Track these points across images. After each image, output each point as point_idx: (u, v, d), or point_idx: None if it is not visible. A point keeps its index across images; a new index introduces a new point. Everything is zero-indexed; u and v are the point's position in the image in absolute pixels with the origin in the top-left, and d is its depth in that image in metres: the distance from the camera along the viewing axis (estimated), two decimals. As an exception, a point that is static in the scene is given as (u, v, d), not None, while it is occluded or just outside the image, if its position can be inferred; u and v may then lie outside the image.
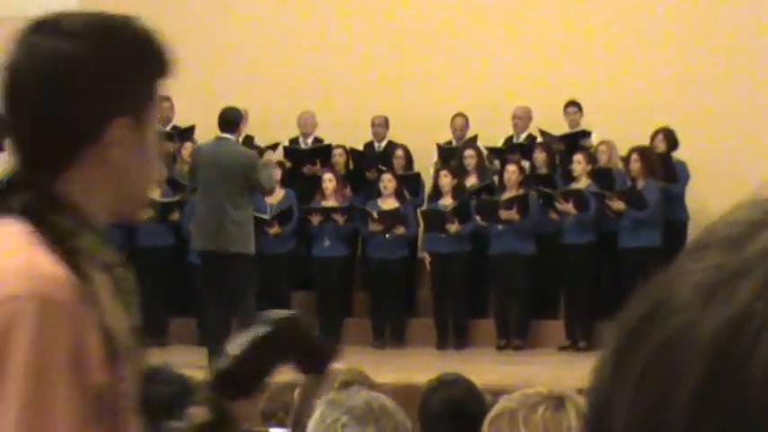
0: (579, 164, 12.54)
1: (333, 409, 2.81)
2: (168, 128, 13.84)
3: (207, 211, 10.61)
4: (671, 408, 0.75)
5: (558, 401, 2.85)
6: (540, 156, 12.88)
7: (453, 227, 12.49)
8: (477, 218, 12.51)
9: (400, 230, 12.68)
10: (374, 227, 12.68)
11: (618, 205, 12.08)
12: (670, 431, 0.75)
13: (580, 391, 4.04)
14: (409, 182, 13.26)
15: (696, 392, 0.74)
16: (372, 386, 3.41)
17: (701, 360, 0.74)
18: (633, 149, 12.31)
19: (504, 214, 12.39)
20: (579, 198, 12.27)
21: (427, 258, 12.82)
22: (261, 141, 13.42)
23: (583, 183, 12.50)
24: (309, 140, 13.85)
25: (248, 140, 13.03)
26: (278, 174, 12.43)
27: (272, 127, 13.85)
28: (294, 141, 13.84)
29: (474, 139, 13.50)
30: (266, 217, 12.59)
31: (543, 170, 12.85)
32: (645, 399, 0.76)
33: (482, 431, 2.95)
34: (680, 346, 0.75)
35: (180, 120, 13.82)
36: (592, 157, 12.74)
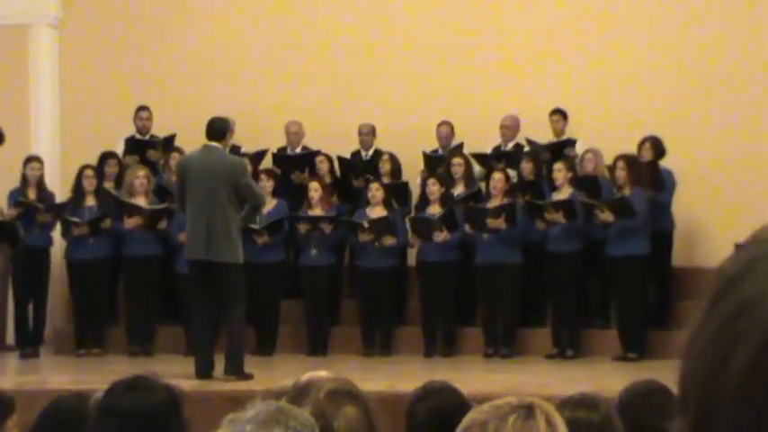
0: (560, 172, 12.57)
1: (234, 425, 2.83)
2: (147, 137, 13.83)
3: (196, 219, 10.60)
4: (729, 369, 0.76)
5: (527, 411, 2.87)
6: (526, 165, 12.90)
7: (441, 235, 12.51)
8: (466, 226, 12.52)
9: (389, 241, 12.67)
10: (364, 236, 12.67)
11: (606, 216, 12.09)
12: (725, 392, 0.76)
13: (572, 400, 4.04)
14: (397, 190, 13.27)
15: (752, 358, 0.75)
16: (360, 394, 3.41)
17: (765, 327, 0.75)
18: (619, 157, 12.33)
19: (491, 223, 12.41)
20: (569, 209, 12.28)
21: (415, 267, 12.79)
22: (248, 150, 13.41)
23: (565, 191, 12.51)
24: (297, 149, 13.85)
25: (235, 149, 13.03)
26: (263, 186, 12.45)
27: (258, 137, 13.84)
28: (282, 150, 13.84)
29: (460, 146, 13.51)
30: (256, 227, 12.59)
31: (530, 178, 12.87)
32: (714, 352, 0.78)
33: None
34: (754, 309, 0.77)
35: (163, 129, 13.78)
36: (572, 165, 12.76)
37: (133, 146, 13.72)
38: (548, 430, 2.87)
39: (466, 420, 2.90)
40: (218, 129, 10.87)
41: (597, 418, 3.99)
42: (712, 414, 0.79)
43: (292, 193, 13.31)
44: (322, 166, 13.46)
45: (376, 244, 12.69)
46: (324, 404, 3.17)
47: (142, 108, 13.91)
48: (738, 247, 0.89)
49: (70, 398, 5.63)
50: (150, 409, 3.34)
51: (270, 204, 12.96)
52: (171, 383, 3.52)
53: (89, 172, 13.07)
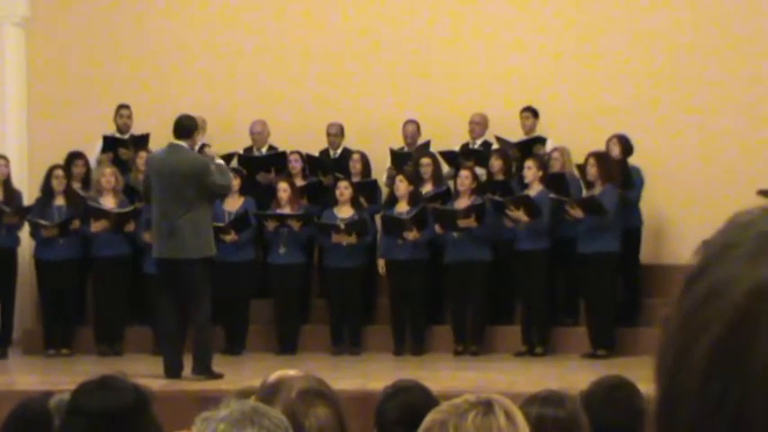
0: (530, 170, 12.59)
1: (207, 423, 2.83)
2: (127, 136, 13.79)
3: (160, 217, 10.58)
4: (692, 356, 0.77)
5: (486, 407, 2.89)
6: (496, 162, 12.91)
7: (411, 234, 12.51)
8: (436, 227, 12.53)
9: (351, 239, 12.65)
10: (339, 237, 12.64)
11: (576, 213, 12.13)
12: (687, 379, 0.77)
13: (538, 397, 4.05)
14: (366, 189, 13.27)
15: (714, 346, 0.76)
16: (331, 394, 3.40)
17: (728, 316, 0.77)
18: (590, 154, 12.37)
19: (462, 223, 12.42)
20: (529, 205, 12.31)
21: (382, 267, 12.82)
22: (218, 150, 13.37)
23: (535, 189, 12.54)
24: (264, 149, 13.82)
25: (204, 148, 12.98)
26: (231, 176, 12.42)
27: (226, 136, 13.81)
28: (248, 150, 13.80)
29: (427, 144, 13.51)
30: (222, 225, 12.56)
31: (500, 177, 12.88)
32: (678, 342, 0.79)
33: None
34: (720, 297, 0.78)
35: (138, 128, 13.75)
36: (543, 163, 12.78)
37: (109, 144, 13.67)
38: (507, 425, 2.89)
39: (426, 422, 2.91)
40: (185, 127, 10.85)
41: (563, 414, 4.00)
42: (676, 403, 0.80)
43: (259, 193, 13.28)
44: (296, 164, 13.42)
45: (345, 244, 12.67)
46: (295, 404, 3.17)
47: (123, 106, 13.86)
48: (705, 242, 0.90)
49: (38, 399, 5.60)
50: (118, 410, 3.33)
51: (237, 202, 12.94)
52: (139, 383, 3.51)
53: (59, 172, 13.01)
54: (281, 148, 13.67)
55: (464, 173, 12.72)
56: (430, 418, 2.91)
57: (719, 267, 0.82)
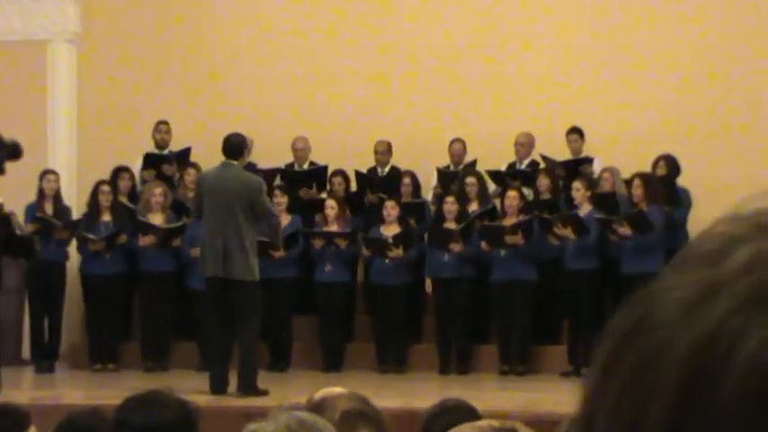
0: (578, 191, 12.55)
1: None
2: (166, 151, 13.87)
3: (212, 236, 10.60)
4: (646, 424, 0.74)
5: None
6: (543, 181, 12.88)
7: (458, 246, 12.49)
8: (483, 243, 12.50)
9: (398, 252, 12.65)
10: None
11: (624, 230, 12.07)
12: None
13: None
14: (414, 209, 13.25)
15: (669, 409, 0.73)
16: (374, 414, 3.39)
17: (676, 377, 0.73)
18: (635, 175, 12.31)
19: (509, 239, 12.40)
20: (577, 223, 12.27)
21: (430, 283, 12.81)
22: (262, 167, 13.42)
23: (584, 209, 12.49)
24: (305, 166, 13.86)
25: (251, 166, 13.04)
26: (278, 201, 12.48)
27: (273, 153, 13.85)
28: (289, 166, 13.84)
29: (473, 163, 13.50)
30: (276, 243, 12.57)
31: (547, 195, 12.85)
32: (623, 414, 0.76)
33: None
34: (657, 362, 0.75)
35: (181, 144, 13.83)
36: (591, 183, 12.73)
37: (151, 160, 13.75)
38: None
39: None
40: (235, 145, 10.89)
41: None
42: None
43: (302, 210, 13.32)
44: (338, 187, 13.45)
45: (387, 261, 12.67)
46: (338, 425, 3.15)
47: (161, 122, 13.97)
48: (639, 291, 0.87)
49: (85, 413, 5.63)
50: (163, 425, 3.33)
51: (284, 220, 12.97)
52: (185, 399, 3.51)
53: (105, 187, 13.10)
54: (322, 164, 13.70)
55: (511, 193, 12.70)
56: None
57: (645, 335, 0.78)
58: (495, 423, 2.86)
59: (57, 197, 13.21)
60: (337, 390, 3.55)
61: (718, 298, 0.75)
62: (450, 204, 12.77)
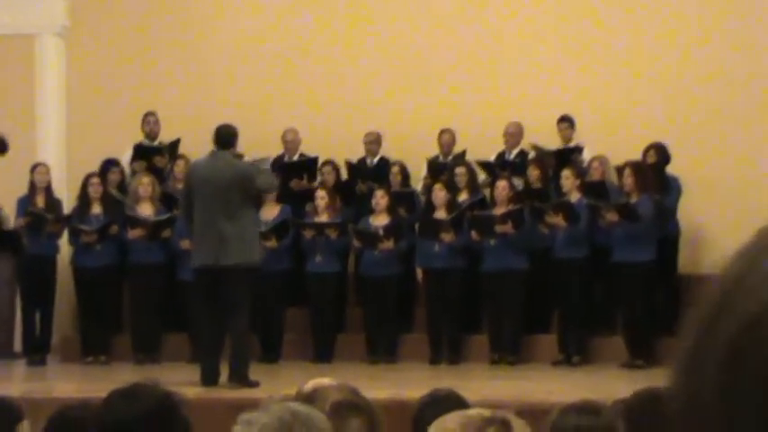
0: (567, 179, 12.57)
1: (249, 429, 2.82)
2: (155, 142, 13.86)
3: (205, 227, 10.58)
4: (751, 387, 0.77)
5: (503, 424, 2.81)
6: (533, 171, 12.89)
7: (448, 236, 12.50)
8: (473, 232, 12.52)
9: (389, 244, 12.66)
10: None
11: (612, 216, 12.08)
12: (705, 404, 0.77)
13: (574, 407, 4.03)
14: (404, 198, 13.26)
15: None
16: (365, 405, 3.39)
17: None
18: (626, 164, 12.32)
19: (499, 228, 12.41)
20: (569, 210, 12.28)
21: (420, 274, 12.82)
22: (249, 158, 13.40)
23: (573, 198, 12.50)
24: (295, 157, 13.85)
25: (238, 158, 13.01)
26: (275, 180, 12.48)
27: (263, 143, 13.84)
28: (280, 157, 13.83)
29: (463, 154, 13.50)
30: (261, 229, 12.59)
31: (537, 185, 12.86)
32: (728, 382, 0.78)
33: None
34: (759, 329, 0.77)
35: (171, 136, 13.81)
36: (580, 172, 12.74)
37: (140, 152, 13.74)
38: None
39: (436, 430, 2.84)
40: (224, 136, 10.88)
41: (600, 424, 3.98)
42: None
43: (293, 200, 13.31)
44: (329, 177, 13.45)
45: (376, 252, 12.68)
46: (329, 417, 3.15)
47: (149, 113, 13.95)
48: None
49: (76, 407, 5.63)
50: (146, 417, 3.33)
51: (274, 210, 12.97)
52: (170, 389, 3.51)
53: (94, 180, 13.10)
54: (312, 155, 13.70)
55: (501, 183, 12.71)
56: (441, 427, 2.84)
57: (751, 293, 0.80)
58: (486, 412, 2.85)
59: (48, 190, 13.21)
60: (327, 381, 3.56)
61: None
62: (439, 191, 12.77)
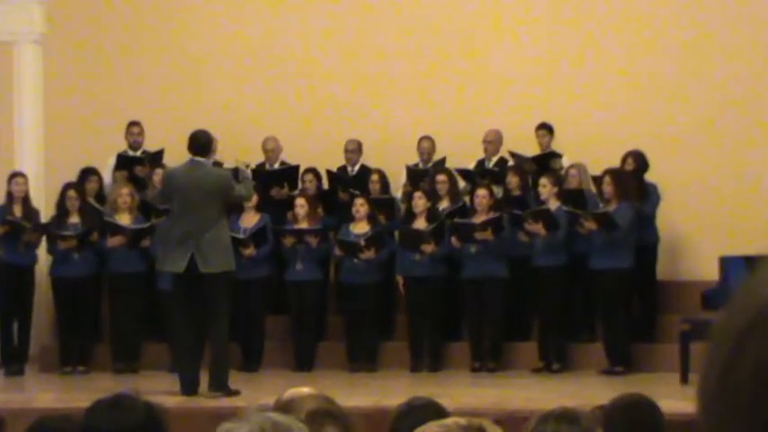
0: (545, 187, 12.59)
1: None
2: (139, 152, 13.83)
3: (183, 234, 10.57)
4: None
5: None
6: (513, 179, 12.91)
7: (429, 247, 12.51)
8: (453, 239, 12.53)
9: (370, 254, 12.66)
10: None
11: (590, 225, 12.11)
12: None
13: (553, 414, 4.04)
14: (384, 206, 13.26)
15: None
16: (340, 413, 3.39)
17: None
18: (606, 171, 12.35)
19: (479, 235, 12.42)
20: (548, 218, 12.31)
21: (401, 282, 12.82)
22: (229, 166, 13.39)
23: (551, 205, 12.53)
24: (276, 165, 13.84)
25: (216, 165, 12.99)
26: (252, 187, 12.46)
27: (239, 153, 13.81)
28: (260, 166, 13.81)
29: (443, 161, 13.52)
30: (241, 236, 12.58)
31: (517, 192, 12.88)
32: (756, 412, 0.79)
33: None
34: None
35: (150, 144, 13.78)
36: (558, 179, 12.77)
37: (123, 162, 13.71)
38: None
39: None
40: (201, 142, 10.87)
41: (579, 431, 3.98)
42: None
43: (274, 209, 13.30)
44: (310, 185, 13.44)
45: (355, 260, 12.67)
46: (305, 425, 3.15)
47: (133, 123, 13.89)
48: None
49: (56, 417, 5.61)
50: (130, 428, 3.33)
51: (253, 218, 12.95)
52: (152, 401, 3.50)
53: (71, 193, 13.03)
54: (293, 163, 13.69)
55: (481, 192, 12.71)
56: None
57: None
58: (462, 421, 2.86)
59: (25, 200, 13.16)
60: (304, 390, 3.56)
61: None
62: (419, 199, 12.78)
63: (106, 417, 3.37)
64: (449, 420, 2.89)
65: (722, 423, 0.82)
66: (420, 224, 12.76)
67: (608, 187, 12.24)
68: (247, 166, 11.67)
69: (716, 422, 0.82)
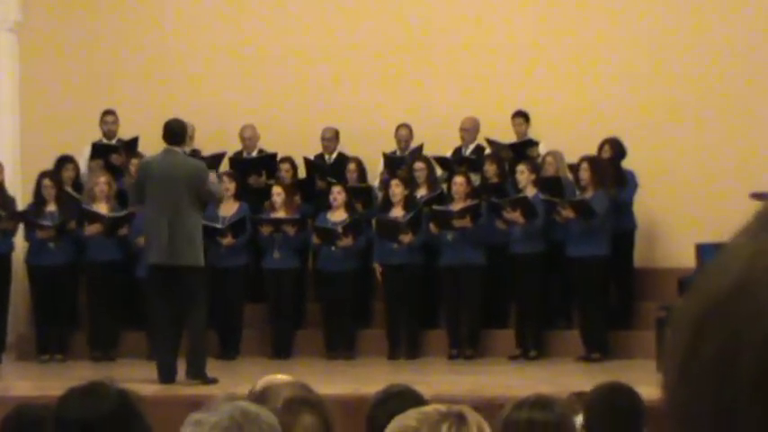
0: (522, 174, 12.62)
1: (199, 429, 2.82)
2: (114, 141, 13.79)
3: (157, 223, 10.55)
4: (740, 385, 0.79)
5: (459, 418, 2.85)
6: (490, 167, 12.91)
7: (407, 238, 12.52)
8: (431, 225, 12.54)
9: (348, 241, 12.67)
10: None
11: (567, 213, 12.14)
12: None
13: (527, 401, 4.05)
14: (361, 194, 13.26)
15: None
16: (317, 401, 3.40)
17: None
18: (582, 159, 12.37)
19: (457, 223, 12.44)
20: (526, 206, 12.33)
21: (379, 269, 12.83)
22: (206, 153, 13.38)
23: (529, 192, 12.55)
24: (254, 153, 13.82)
25: (195, 153, 12.98)
26: (225, 186, 12.42)
27: (220, 140, 13.81)
28: (238, 154, 13.80)
29: (420, 148, 13.52)
30: (219, 226, 12.57)
31: (494, 180, 12.89)
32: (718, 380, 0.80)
33: None
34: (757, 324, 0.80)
35: (126, 133, 13.75)
36: (536, 167, 12.79)
37: (98, 150, 13.67)
38: None
39: (394, 427, 2.87)
40: (175, 131, 10.84)
41: (553, 417, 4.01)
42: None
43: (251, 197, 13.29)
44: (286, 174, 13.42)
45: (333, 248, 12.66)
46: (281, 413, 3.16)
47: (108, 112, 13.85)
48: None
49: (33, 406, 5.59)
50: (103, 417, 3.32)
51: (232, 207, 12.94)
52: (127, 389, 3.50)
53: (47, 182, 12.98)
54: (271, 151, 13.68)
55: (458, 179, 12.72)
56: (399, 423, 2.87)
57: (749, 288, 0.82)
58: (442, 407, 2.87)
59: (1, 188, 13.11)
60: (280, 377, 3.56)
61: None
62: (396, 187, 12.78)
63: (79, 405, 3.37)
64: (429, 408, 2.91)
65: (686, 410, 0.83)
66: (397, 212, 12.77)
67: (585, 174, 12.26)
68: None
69: (680, 409, 0.83)
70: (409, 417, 2.86)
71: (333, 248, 12.75)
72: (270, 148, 13.74)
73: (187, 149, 11.62)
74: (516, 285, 12.54)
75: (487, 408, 3.78)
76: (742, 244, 0.83)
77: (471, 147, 13.56)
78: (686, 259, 11.94)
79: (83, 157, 13.71)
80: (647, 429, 5.02)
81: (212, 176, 11.76)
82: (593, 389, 5.01)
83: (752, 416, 0.78)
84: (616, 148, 12.76)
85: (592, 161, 12.34)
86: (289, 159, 13.50)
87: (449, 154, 13.53)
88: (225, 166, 13.63)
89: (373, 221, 12.98)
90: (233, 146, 13.79)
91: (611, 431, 4.80)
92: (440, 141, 13.56)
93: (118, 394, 3.39)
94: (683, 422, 0.82)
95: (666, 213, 13.40)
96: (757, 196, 11.38)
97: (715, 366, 0.80)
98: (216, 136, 13.85)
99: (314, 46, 14.30)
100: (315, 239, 12.90)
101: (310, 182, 13.50)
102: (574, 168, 12.56)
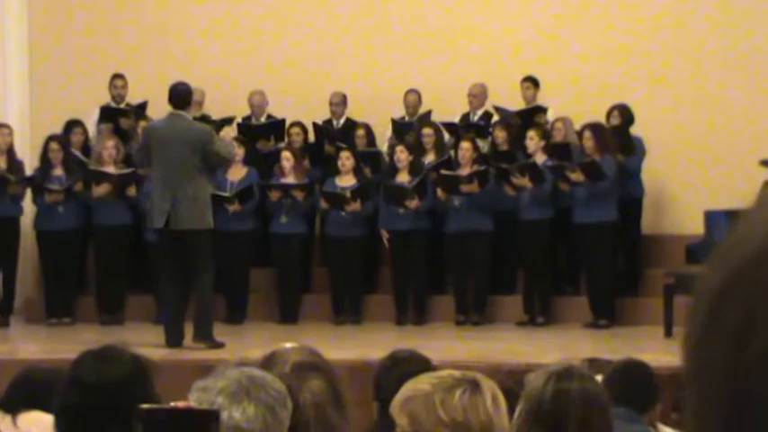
0: (532, 140, 12.59)
1: (206, 395, 2.83)
2: (122, 105, 13.78)
3: (163, 188, 10.55)
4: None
5: (473, 385, 2.85)
6: (500, 134, 12.87)
7: (413, 203, 12.51)
8: (438, 191, 12.53)
9: (356, 206, 12.67)
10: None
11: (577, 176, 12.11)
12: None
13: (553, 372, 4.05)
14: (370, 159, 13.25)
15: None
16: (325, 366, 3.41)
17: None
18: (585, 126, 12.32)
19: (464, 188, 12.42)
20: (535, 171, 12.31)
21: (385, 235, 12.83)
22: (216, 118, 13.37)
23: (538, 158, 12.53)
24: (262, 119, 13.81)
25: (205, 118, 12.97)
26: (236, 149, 12.37)
27: (229, 105, 13.80)
28: (247, 119, 13.78)
29: (428, 114, 13.50)
30: (227, 194, 12.57)
31: (504, 147, 12.85)
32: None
33: (393, 413, 2.93)
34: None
35: (137, 97, 13.73)
36: (545, 133, 12.76)
37: (107, 114, 13.66)
38: (493, 407, 2.86)
39: (408, 390, 2.87)
40: (181, 95, 10.80)
41: (583, 388, 3.99)
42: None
43: (260, 162, 13.28)
44: (296, 138, 13.41)
45: (343, 213, 12.66)
46: (289, 378, 3.17)
47: (117, 76, 13.83)
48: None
49: (40, 367, 5.62)
50: (117, 380, 3.33)
51: (240, 172, 12.93)
52: (139, 353, 3.51)
53: (54, 145, 12.97)
54: (279, 117, 13.66)
55: (465, 144, 12.70)
56: (411, 387, 2.87)
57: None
58: (456, 373, 2.88)
59: (10, 152, 13.11)
60: (288, 344, 3.57)
61: None
62: (400, 153, 12.76)
63: (93, 368, 3.38)
64: (443, 373, 2.92)
65: (704, 374, 0.84)
66: (403, 178, 12.75)
67: (588, 142, 12.23)
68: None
69: (698, 374, 0.84)
70: (423, 381, 2.86)
71: (342, 213, 12.75)
72: (278, 115, 13.72)
73: (197, 114, 11.59)
74: (524, 252, 12.54)
75: (494, 374, 3.79)
76: (760, 213, 0.84)
77: (479, 113, 13.53)
78: (694, 226, 11.93)
79: (91, 121, 13.70)
80: (661, 403, 5.09)
81: (227, 136, 11.68)
82: (612, 366, 5.15)
83: (765, 382, 0.79)
84: (625, 115, 12.72)
85: (594, 128, 12.29)
86: (299, 124, 13.48)
87: (456, 120, 13.51)
88: (233, 132, 13.61)
89: (381, 187, 12.97)
90: (242, 112, 13.77)
91: (628, 405, 4.85)
92: (448, 107, 13.53)
93: (131, 358, 3.40)
94: (699, 386, 0.83)
95: (675, 180, 13.38)
96: (766, 163, 11.36)
97: (733, 333, 0.81)
98: (225, 101, 13.82)
99: (323, 11, 14.26)
100: (323, 204, 12.90)
101: (319, 147, 13.49)
102: (578, 136, 12.53)
